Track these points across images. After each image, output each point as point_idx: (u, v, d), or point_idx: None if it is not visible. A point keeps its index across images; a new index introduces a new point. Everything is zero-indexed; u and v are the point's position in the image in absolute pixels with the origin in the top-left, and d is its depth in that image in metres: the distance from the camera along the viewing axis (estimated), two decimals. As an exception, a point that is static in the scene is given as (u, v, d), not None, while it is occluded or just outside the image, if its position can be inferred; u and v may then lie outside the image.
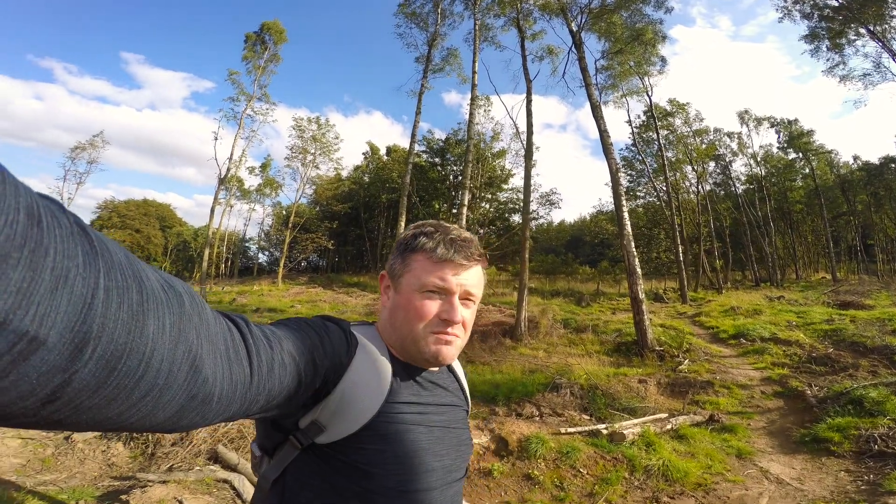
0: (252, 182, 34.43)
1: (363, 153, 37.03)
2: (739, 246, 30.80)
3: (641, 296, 9.20)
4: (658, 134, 23.52)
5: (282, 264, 29.15)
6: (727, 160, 30.50)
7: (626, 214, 9.80)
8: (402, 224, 12.73)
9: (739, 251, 31.14)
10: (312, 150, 30.72)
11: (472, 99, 10.63)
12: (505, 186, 31.14)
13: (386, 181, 32.41)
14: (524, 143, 11.46)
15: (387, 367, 0.81)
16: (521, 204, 11.48)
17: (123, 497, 2.89)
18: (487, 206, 31.67)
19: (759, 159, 30.50)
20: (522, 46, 11.84)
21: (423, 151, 31.55)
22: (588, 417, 5.44)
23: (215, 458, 3.76)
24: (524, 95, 11.36)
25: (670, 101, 26.84)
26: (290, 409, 0.69)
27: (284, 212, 32.00)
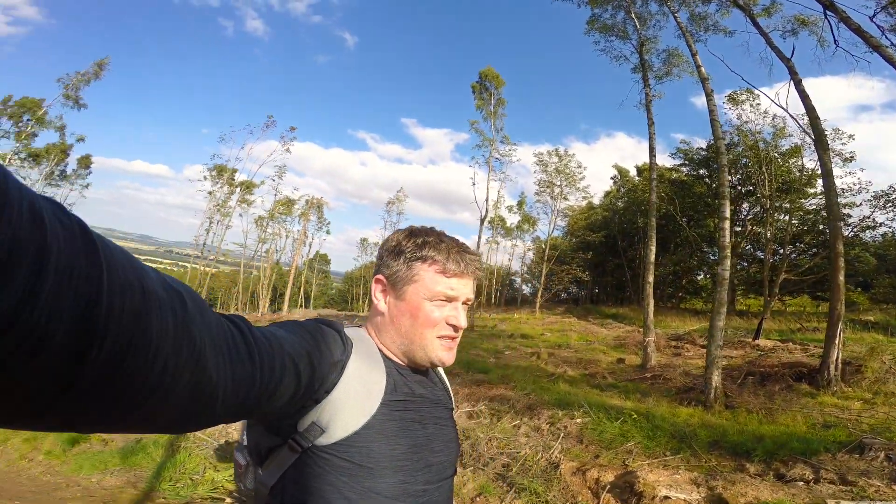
0: (512, 220, 38.00)
1: (611, 178, 35.62)
2: None
3: None
4: None
5: (539, 295, 30.64)
6: None
7: None
8: (653, 249, 11.54)
9: None
10: (558, 182, 31.58)
11: (707, 95, 9.00)
12: (810, 191, 23.91)
13: (641, 203, 30.06)
14: (808, 131, 8.78)
15: (381, 368, 0.84)
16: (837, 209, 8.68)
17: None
18: (786, 217, 24.93)
19: None
20: (756, 25, 9.35)
21: (681, 165, 27.89)
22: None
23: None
24: (787, 81, 8.83)
25: None
26: (291, 411, 0.72)
27: (544, 245, 33.79)
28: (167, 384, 0.35)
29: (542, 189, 32.32)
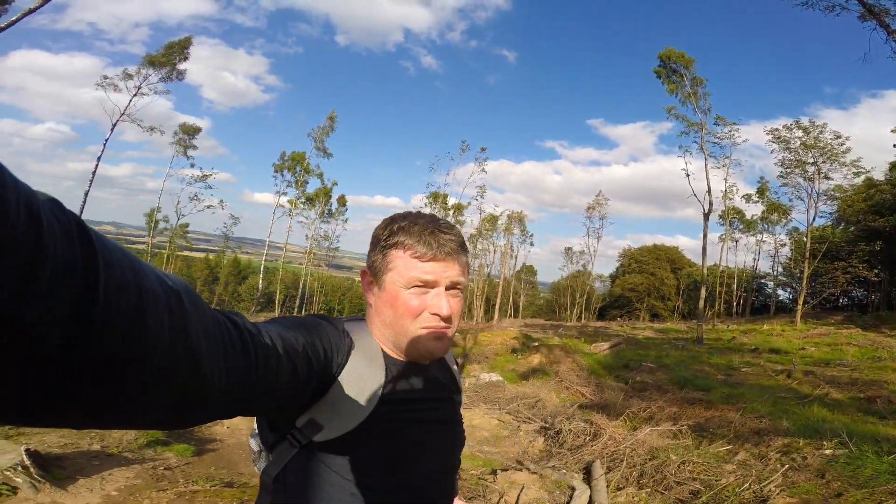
0: (753, 211, 31.35)
1: (894, 145, 25.51)
2: None
3: None
4: None
5: (800, 301, 24.19)
6: None
7: None
8: None
9: None
10: (811, 159, 24.63)
11: None
12: None
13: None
14: None
15: (381, 364, 0.82)
16: None
17: (503, 472, 4.01)
18: None
19: None
20: None
21: None
22: None
23: (588, 470, 4.27)
24: None
25: None
26: (289, 408, 0.72)
27: (804, 238, 26.64)
28: (161, 381, 0.36)
29: (788, 170, 25.81)
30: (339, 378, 0.75)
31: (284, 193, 29.02)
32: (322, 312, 1.00)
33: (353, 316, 0.91)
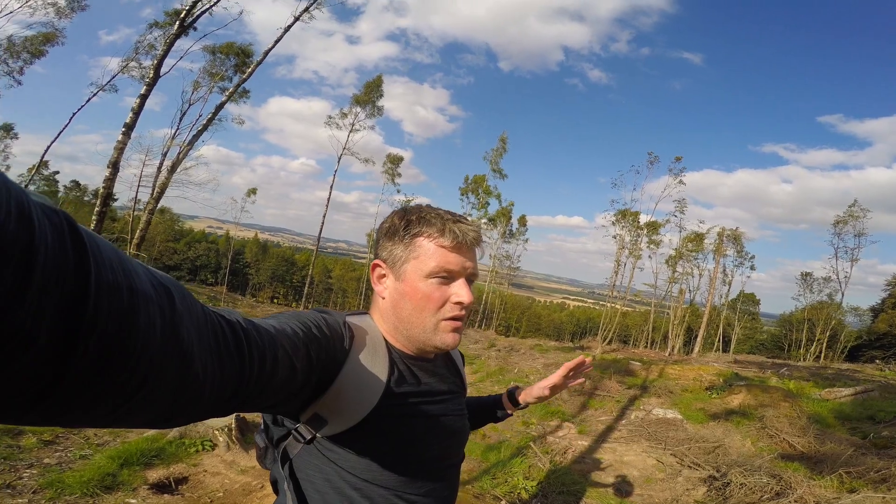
0: None
1: None
2: None
3: None
4: None
5: None
6: None
7: None
8: None
9: None
10: None
11: None
12: None
13: None
14: None
15: (384, 358, 0.81)
16: None
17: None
18: None
19: None
20: None
21: None
22: None
23: None
24: None
25: None
26: (290, 404, 0.71)
27: None
28: (152, 381, 0.35)
29: None
30: (342, 372, 0.74)
31: (469, 215, 31.06)
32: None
33: (357, 311, 0.90)
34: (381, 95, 25.57)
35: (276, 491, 0.85)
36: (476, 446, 5.27)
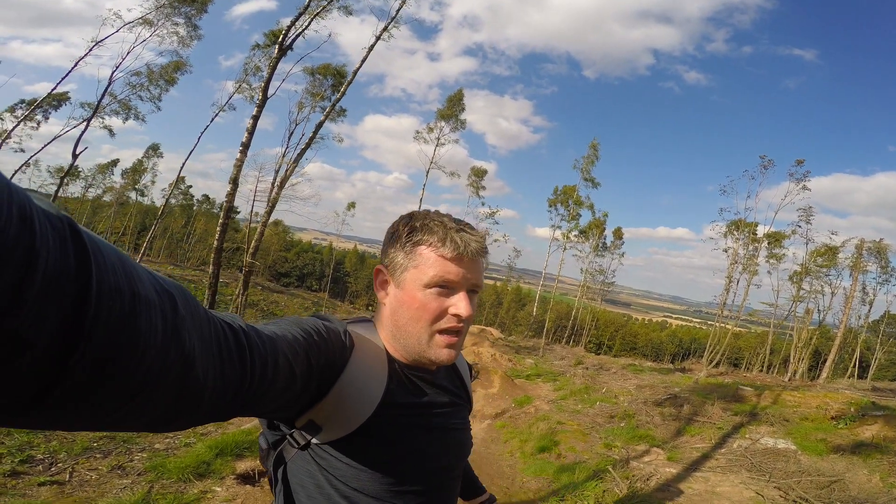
0: None
1: None
2: None
3: None
4: None
5: None
6: None
7: None
8: None
9: None
10: None
11: None
12: None
13: None
14: None
15: (383, 367, 0.80)
16: None
17: None
18: None
19: None
20: None
21: None
22: None
23: None
24: None
25: None
26: (289, 410, 0.71)
27: None
28: (152, 385, 0.35)
29: None
30: (339, 380, 0.73)
31: (559, 227, 30.18)
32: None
33: (360, 317, 0.90)
34: (463, 109, 26.02)
35: (273, 491, 0.86)
36: (549, 465, 5.01)
